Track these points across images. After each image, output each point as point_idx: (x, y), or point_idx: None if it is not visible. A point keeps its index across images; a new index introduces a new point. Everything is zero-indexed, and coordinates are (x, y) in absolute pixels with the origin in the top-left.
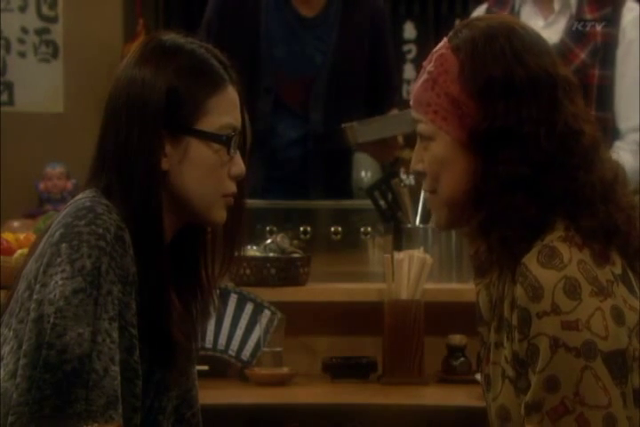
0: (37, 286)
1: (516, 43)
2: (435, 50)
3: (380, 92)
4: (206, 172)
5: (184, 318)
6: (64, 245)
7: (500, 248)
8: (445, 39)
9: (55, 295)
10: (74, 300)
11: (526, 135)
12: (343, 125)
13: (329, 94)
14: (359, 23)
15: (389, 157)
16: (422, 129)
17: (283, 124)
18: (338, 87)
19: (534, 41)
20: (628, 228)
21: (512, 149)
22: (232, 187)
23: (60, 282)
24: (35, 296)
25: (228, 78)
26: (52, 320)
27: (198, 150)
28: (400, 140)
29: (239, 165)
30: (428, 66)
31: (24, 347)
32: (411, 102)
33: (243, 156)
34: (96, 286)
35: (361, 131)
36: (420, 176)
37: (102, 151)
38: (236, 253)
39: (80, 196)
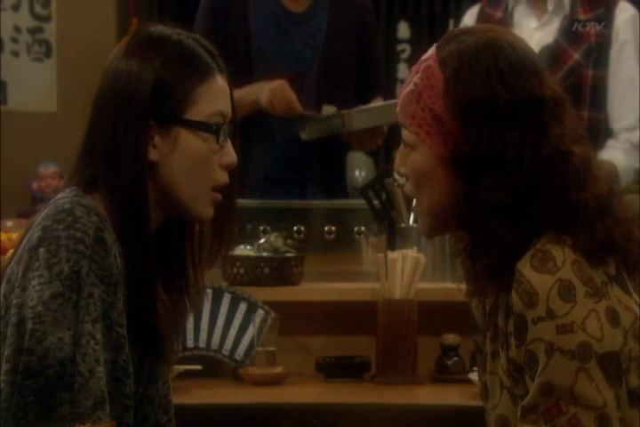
0: (18, 290)
1: (502, 63)
2: (423, 58)
3: (369, 85)
4: (196, 162)
5: (169, 312)
6: (42, 249)
7: (485, 277)
8: (434, 48)
9: (33, 300)
10: (52, 305)
11: (509, 161)
12: (342, 112)
13: (320, 89)
14: (347, 17)
15: (374, 145)
16: (406, 136)
17: (275, 121)
18: (329, 82)
19: (521, 60)
20: (627, 241)
21: (495, 175)
22: (223, 177)
23: (37, 287)
24: (15, 300)
25: (215, 67)
26: (30, 326)
27: (187, 140)
28: (385, 129)
29: (230, 155)
30: (415, 76)
31: (6, 352)
32: (397, 108)
33: (234, 145)
34: (75, 289)
35: (358, 118)
36: (403, 177)
37: (89, 145)
38: (225, 251)
39: (60, 195)
